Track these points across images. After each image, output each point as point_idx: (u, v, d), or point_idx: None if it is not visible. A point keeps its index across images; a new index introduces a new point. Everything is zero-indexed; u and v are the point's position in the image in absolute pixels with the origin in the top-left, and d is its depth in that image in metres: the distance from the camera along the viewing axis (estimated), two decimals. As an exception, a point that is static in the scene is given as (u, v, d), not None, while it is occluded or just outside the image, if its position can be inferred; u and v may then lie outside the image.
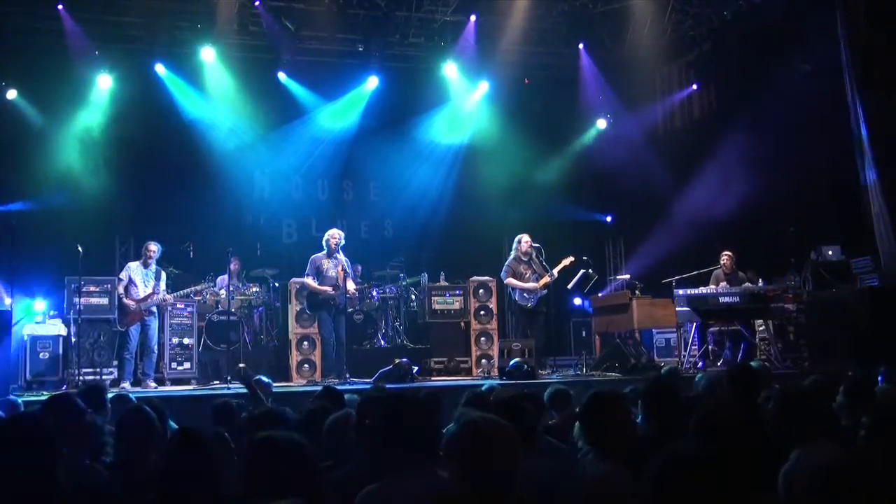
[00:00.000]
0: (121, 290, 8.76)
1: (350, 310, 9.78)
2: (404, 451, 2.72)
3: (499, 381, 7.67)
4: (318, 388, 6.23)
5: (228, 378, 8.84)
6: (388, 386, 6.91)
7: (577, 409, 3.43)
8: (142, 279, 8.88)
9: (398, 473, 2.71)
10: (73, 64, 10.65)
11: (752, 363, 6.06)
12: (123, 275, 8.86)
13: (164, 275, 9.11)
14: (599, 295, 11.56)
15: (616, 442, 3.20)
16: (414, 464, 2.70)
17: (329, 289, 9.01)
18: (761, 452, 3.50)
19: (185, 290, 9.38)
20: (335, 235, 9.24)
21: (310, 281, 9.13)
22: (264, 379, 6.40)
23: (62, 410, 3.39)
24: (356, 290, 9.52)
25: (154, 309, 8.99)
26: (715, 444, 2.97)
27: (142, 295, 8.83)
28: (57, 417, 3.21)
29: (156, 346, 9.02)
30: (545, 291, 9.77)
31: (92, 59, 10.76)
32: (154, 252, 8.97)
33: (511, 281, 9.75)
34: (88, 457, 3.44)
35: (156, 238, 9.43)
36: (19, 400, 5.34)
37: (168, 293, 9.16)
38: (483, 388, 5.23)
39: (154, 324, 8.98)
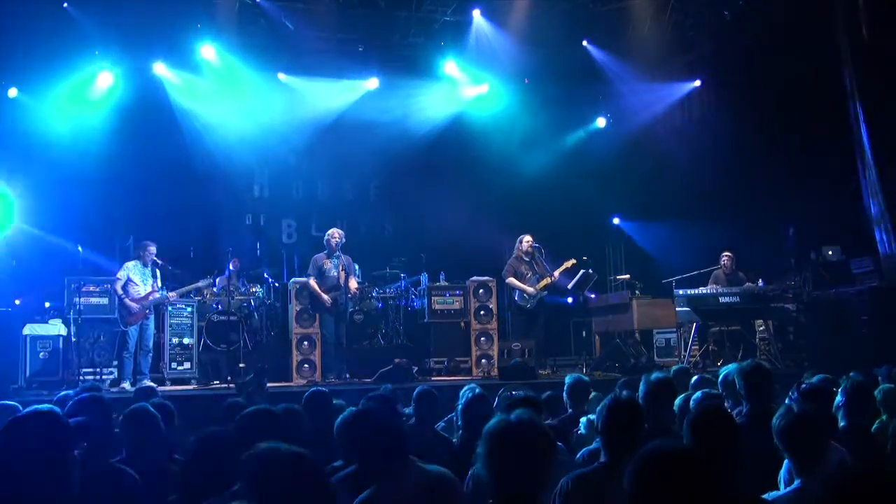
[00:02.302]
0: (119, 289, 8.74)
1: (350, 310, 9.79)
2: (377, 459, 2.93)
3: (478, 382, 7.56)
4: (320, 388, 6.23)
5: (228, 378, 8.85)
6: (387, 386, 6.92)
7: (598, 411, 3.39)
8: (141, 278, 8.87)
9: (388, 475, 2.83)
10: (73, 62, 10.64)
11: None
12: (122, 274, 8.82)
13: (159, 272, 9.10)
14: (593, 296, 11.53)
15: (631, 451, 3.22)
16: (395, 466, 2.87)
17: (328, 298, 9.06)
18: (761, 454, 3.53)
19: (186, 287, 9.36)
20: (335, 235, 9.26)
21: (312, 283, 9.17)
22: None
23: (93, 410, 3.38)
24: (357, 289, 9.53)
25: (150, 308, 8.98)
26: (703, 443, 2.98)
27: (143, 293, 8.83)
28: (87, 417, 3.21)
29: (152, 346, 9.02)
30: (545, 293, 9.77)
31: (92, 58, 10.75)
32: (153, 251, 8.97)
33: (511, 280, 9.75)
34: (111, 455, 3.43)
35: (156, 238, 9.42)
36: (19, 405, 5.32)
37: (167, 291, 9.15)
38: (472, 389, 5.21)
39: (151, 323, 8.98)
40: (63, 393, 6.25)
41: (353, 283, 9.37)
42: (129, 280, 8.79)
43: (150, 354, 9.01)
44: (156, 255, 8.98)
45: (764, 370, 4.28)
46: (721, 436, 3.03)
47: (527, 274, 9.71)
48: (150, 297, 8.85)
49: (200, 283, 9.43)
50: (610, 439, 3.22)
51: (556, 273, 9.64)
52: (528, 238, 9.82)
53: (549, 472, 2.31)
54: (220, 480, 2.74)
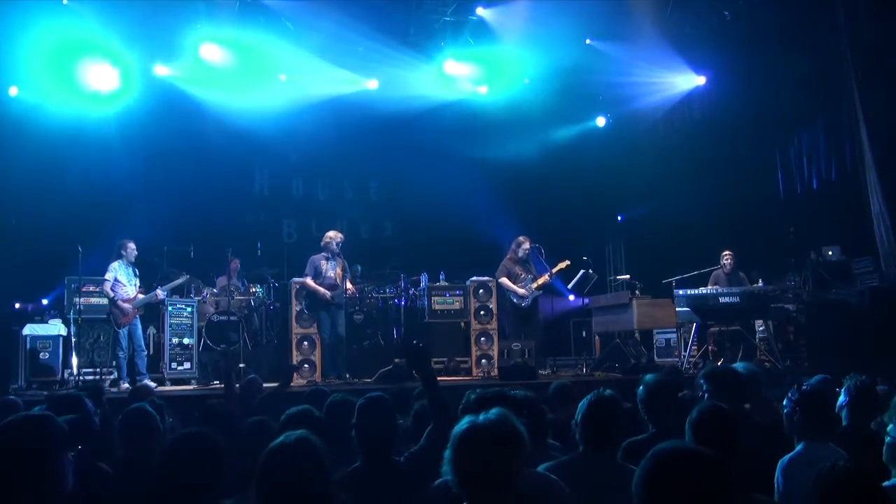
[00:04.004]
0: (109, 291, 8.73)
1: (350, 310, 9.80)
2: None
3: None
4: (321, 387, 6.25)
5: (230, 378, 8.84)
6: (386, 386, 6.94)
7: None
8: (126, 278, 8.86)
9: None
10: (73, 60, 10.63)
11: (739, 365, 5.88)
12: (109, 275, 8.77)
13: (137, 271, 9.09)
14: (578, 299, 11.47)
15: (612, 441, 3.37)
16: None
17: (326, 292, 9.07)
18: (757, 453, 3.54)
19: (168, 284, 9.32)
20: (336, 237, 9.28)
21: (309, 281, 9.17)
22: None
23: (70, 410, 3.38)
24: (353, 290, 9.56)
25: (141, 307, 8.99)
26: (707, 443, 2.97)
27: (131, 293, 8.82)
28: (68, 415, 3.21)
29: (144, 344, 9.04)
30: (541, 292, 9.76)
31: (92, 56, 10.74)
32: (133, 248, 8.97)
33: (504, 281, 9.74)
34: (95, 456, 3.43)
35: (156, 238, 9.40)
36: (20, 400, 5.33)
37: (158, 288, 9.16)
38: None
39: (139, 322, 8.99)
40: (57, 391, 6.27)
41: (350, 285, 9.40)
42: (116, 281, 8.78)
43: (145, 353, 9.01)
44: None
45: (724, 372, 4.31)
46: (722, 436, 3.02)
47: (521, 274, 9.69)
48: (139, 297, 8.86)
49: (181, 280, 9.41)
50: (588, 431, 3.34)
51: (553, 271, 9.63)
52: (523, 239, 9.82)
53: (521, 469, 2.27)
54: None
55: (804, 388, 3.70)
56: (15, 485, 2.11)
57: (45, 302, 10.09)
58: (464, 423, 2.29)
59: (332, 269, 9.22)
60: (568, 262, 9.81)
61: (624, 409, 3.57)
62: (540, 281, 9.60)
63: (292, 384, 9.33)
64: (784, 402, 3.75)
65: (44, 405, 3.78)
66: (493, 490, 2.21)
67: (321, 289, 9.10)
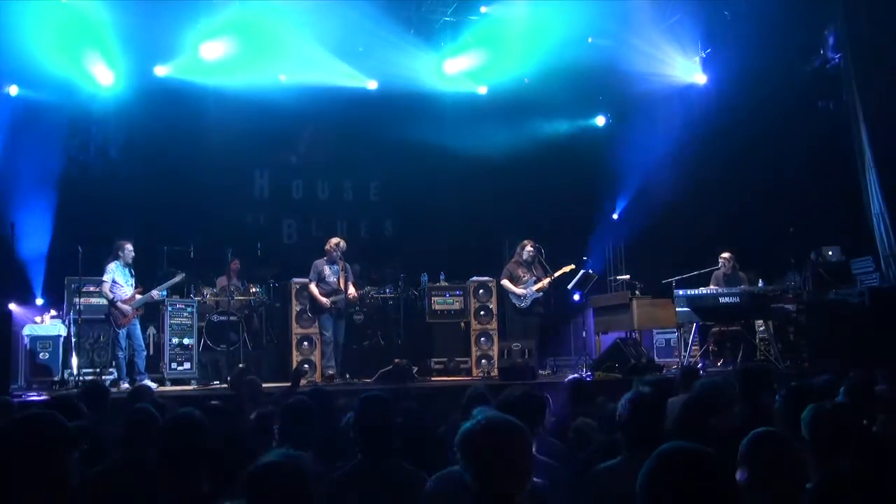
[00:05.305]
0: (108, 292, 8.72)
1: (350, 310, 9.82)
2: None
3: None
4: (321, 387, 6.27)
5: (228, 378, 8.85)
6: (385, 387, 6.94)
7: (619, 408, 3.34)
8: (123, 279, 8.86)
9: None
10: (72, 61, 10.62)
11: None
12: (107, 277, 8.76)
13: (134, 272, 9.09)
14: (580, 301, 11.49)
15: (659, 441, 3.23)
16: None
17: (326, 302, 9.15)
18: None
19: (164, 284, 9.31)
20: (337, 244, 9.33)
21: (312, 287, 9.23)
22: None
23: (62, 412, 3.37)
24: (356, 295, 9.58)
25: (140, 307, 9.00)
26: (763, 474, 2.90)
27: (128, 294, 8.83)
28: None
29: (143, 344, 9.05)
30: (541, 294, 9.78)
31: (91, 55, 10.74)
32: (131, 249, 8.96)
33: (505, 283, 9.82)
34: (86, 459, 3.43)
35: (156, 238, 9.35)
36: (12, 400, 5.33)
37: (155, 290, 9.16)
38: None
39: (138, 323, 8.99)
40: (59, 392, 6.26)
41: (352, 290, 9.42)
42: (113, 282, 8.78)
43: (144, 353, 9.02)
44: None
45: (762, 369, 4.31)
46: (785, 468, 2.60)
47: (523, 277, 9.74)
48: (136, 297, 8.87)
49: (177, 278, 9.40)
50: (634, 433, 3.19)
51: (556, 275, 9.67)
52: (526, 242, 9.85)
53: (530, 467, 2.33)
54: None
55: (793, 384, 3.72)
56: (24, 481, 2.12)
57: (39, 302, 10.08)
58: (471, 424, 2.35)
59: (333, 275, 9.31)
60: (573, 266, 9.87)
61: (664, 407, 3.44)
62: (540, 284, 9.62)
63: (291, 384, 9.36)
64: (776, 398, 3.77)
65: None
66: (508, 487, 2.27)
67: (322, 298, 9.17)
